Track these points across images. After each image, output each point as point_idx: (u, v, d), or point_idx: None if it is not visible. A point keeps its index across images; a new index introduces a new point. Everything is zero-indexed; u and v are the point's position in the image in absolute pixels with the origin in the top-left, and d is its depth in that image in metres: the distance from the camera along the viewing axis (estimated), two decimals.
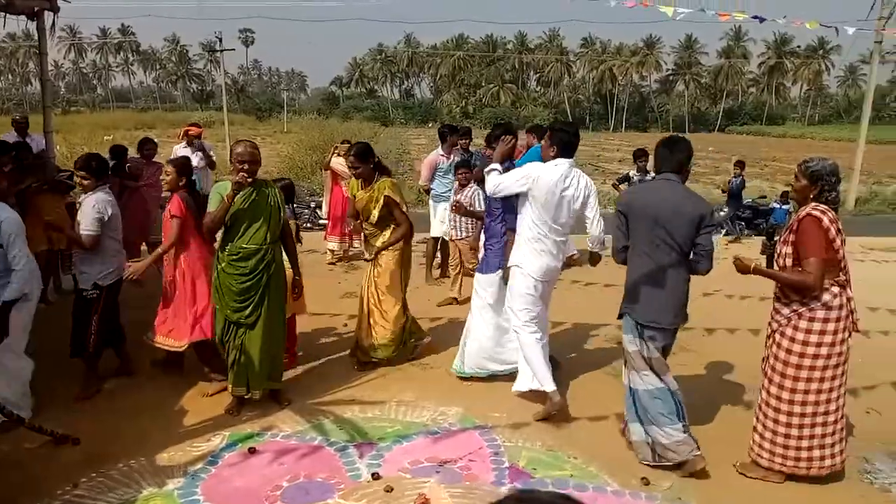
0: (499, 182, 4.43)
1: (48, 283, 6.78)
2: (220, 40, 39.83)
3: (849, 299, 3.50)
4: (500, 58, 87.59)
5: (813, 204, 3.47)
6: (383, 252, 5.11)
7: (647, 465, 3.82)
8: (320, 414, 4.42)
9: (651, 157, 3.96)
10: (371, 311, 5.17)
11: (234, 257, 4.25)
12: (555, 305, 4.81)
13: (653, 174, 9.16)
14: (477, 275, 4.99)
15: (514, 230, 4.66)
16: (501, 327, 4.91)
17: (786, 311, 3.54)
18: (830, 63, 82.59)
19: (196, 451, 3.92)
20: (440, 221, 7.65)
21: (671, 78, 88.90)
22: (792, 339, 3.51)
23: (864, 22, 15.82)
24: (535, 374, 4.48)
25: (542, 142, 4.64)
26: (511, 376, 4.80)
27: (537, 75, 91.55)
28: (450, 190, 7.53)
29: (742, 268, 3.60)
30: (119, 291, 4.73)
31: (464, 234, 6.84)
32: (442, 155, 7.74)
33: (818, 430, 3.55)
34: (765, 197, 15.09)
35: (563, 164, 4.39)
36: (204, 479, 3.65)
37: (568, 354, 5.55)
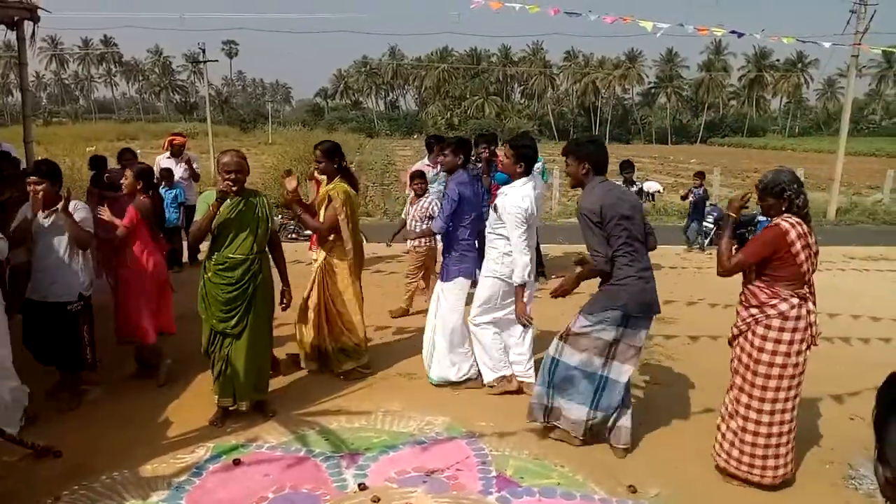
0: (523, 261, 4.37)
1: None
2: (204, 51, 39.69)
3: (809, 312, 3.53)
4: (484, 70, 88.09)
5: (785, 215, 3.53)
6: (337, 265, 5.08)
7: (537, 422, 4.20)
8: (306, 425, 4.39)
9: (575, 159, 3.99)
10: (331, 319, 5.12)
11: (221, 267, 4.22)
12: (550, 315, 4.81)
13: (640, 184, 9.28)
14: (439, 282, 5.08)
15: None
16: (461, 334, 4.99)
17: (744, 314, 3.62)
18: (809, 76, 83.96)
19: (180, 463, 3.87)
20: None
21: (653, 91, 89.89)
22: (751, 345, 3.58)
23: (840, 36, 16.08)
24: (493, 362, 4.80)
25: (506, 160, 4.59)
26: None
27: (521, 87, 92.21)
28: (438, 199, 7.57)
29: (734, 209, 3.85)
30: None
31: (416, 242, 6.90)
32: (428, 165, 7.81)
33: (773, 440, 3.60)
34: (747, 207, 15.19)
35: (525, 180, 4.50)
36: (188, 490, 3.60)
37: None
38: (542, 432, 4.32)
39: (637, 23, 7.62)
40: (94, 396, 4.74)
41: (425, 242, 6.81)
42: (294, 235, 11.80)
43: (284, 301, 4.63)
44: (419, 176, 7.02)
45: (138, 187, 4.86)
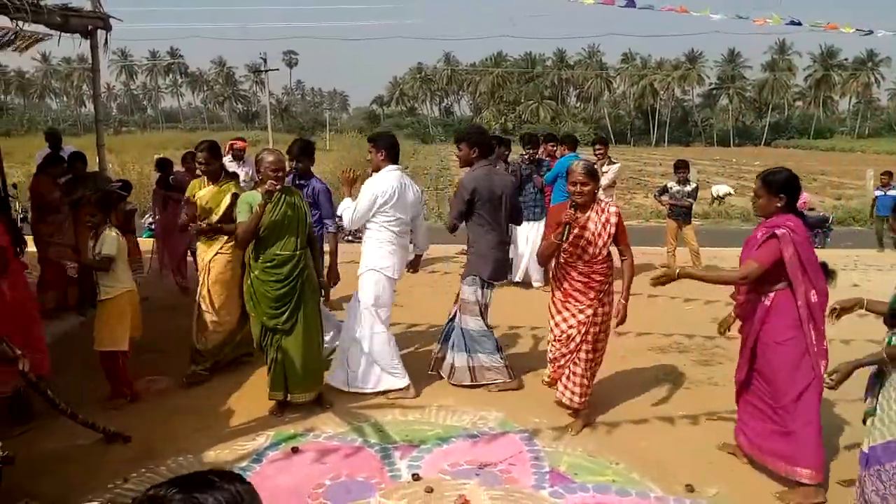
0: (352, 212, 4.69)
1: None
2: (266, 61, 40.91)
3: None
4: (539, 74, 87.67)
5: (607, 200, 4.35)
6: (216, 259, 5.02)
7: (464, 385, 4.85)
8: (361, 417, 4.47)
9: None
10: (202, 315, 5.04)
11: (269, 264, 4.32)
12: None
13: (694, 185, 9.07)
14: None
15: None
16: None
17: (600, 278, 4.15)
18: (880, 75, 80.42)
19: (241, 450, 4.01)
20: None
21: (714, 92, 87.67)
22: (609, 300, 4.23)
23: None
24: (390, 373, 4.79)
25: (370, 154, 4.84)
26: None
27: (577, 91, 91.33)
28: None
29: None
30: None
31: None
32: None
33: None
34: (813, 209, 14.80)
35: (394, 169, 4.77)
36: (249, 476, 3.72)
37: (609, 363, 5.49)
38: (596, 428, 4.31)
39: (692, 13, 7.41)
40: (161, 386, 4.94)
41: None
42: (350, 238, 12.00)
43: (324, 293, 4.71)
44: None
45: None
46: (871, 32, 9.08)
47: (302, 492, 3.56)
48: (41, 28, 6.54)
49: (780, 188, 3.48)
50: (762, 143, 75.90)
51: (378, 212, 4.64)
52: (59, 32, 6.69)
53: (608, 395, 4.84)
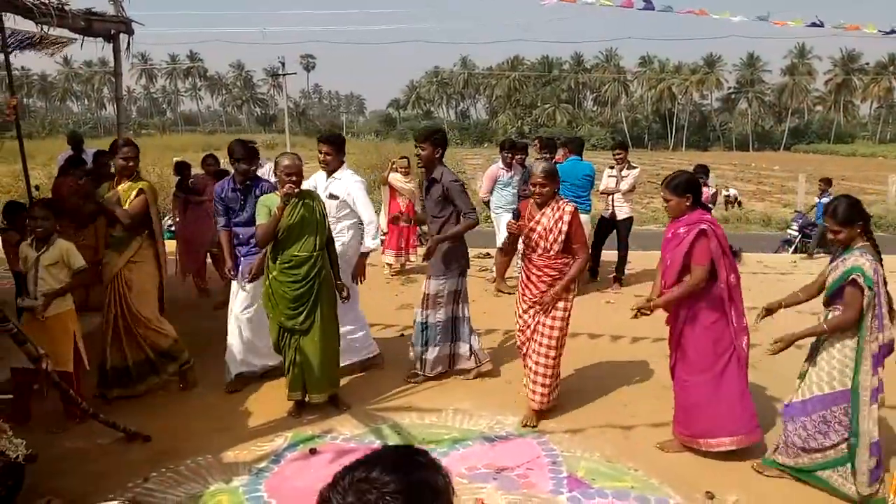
0: (374, 217, 5.09)
1: None
2: (283, 65, 41.19)
3: None
4: (555, 78, 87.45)
5: (563, 201, 4.37)
6: (130, 268, 4.73)
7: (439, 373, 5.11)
8: (378, 419, 4.49)
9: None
10: (140, 327, 4.77)
11: (287, 265, 4.37)
12: (613, 321, 4.75)
13: (713, 189, 8.98)
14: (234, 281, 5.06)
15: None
16: (252, 324, 4.99)
17: (553, 273, 4.34)
18: None
19: (260, 451, 4.04)
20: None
21: (733, 96, 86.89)
22: (564, 309, 4.38)
23: None
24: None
25: (329, 156, 5.02)
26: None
27: (594, 95, 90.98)
28: (511, 202, 7.67)
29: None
30: None
31: None
32: (502, 168, 7.93)
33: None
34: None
35: (346, 166, 5.19)
36: (267, 476, 3.75)
37: (627, 368, 5.47)
38: (615, 434, 4.28)
39: (711, 16, 7.32)
40: (180, 387, 4.97)
41: None
42: None
43: (343, 294, 4.69)
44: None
45: None
46: (893, 32, 8.95)
47: None
48: (65, 32, 6.62)
49: (685, 189, 3.87)
50: (782, 147, 75.15)
51: None
52: (82, 36, 6.77)
53: (625, 400, 4.83)
